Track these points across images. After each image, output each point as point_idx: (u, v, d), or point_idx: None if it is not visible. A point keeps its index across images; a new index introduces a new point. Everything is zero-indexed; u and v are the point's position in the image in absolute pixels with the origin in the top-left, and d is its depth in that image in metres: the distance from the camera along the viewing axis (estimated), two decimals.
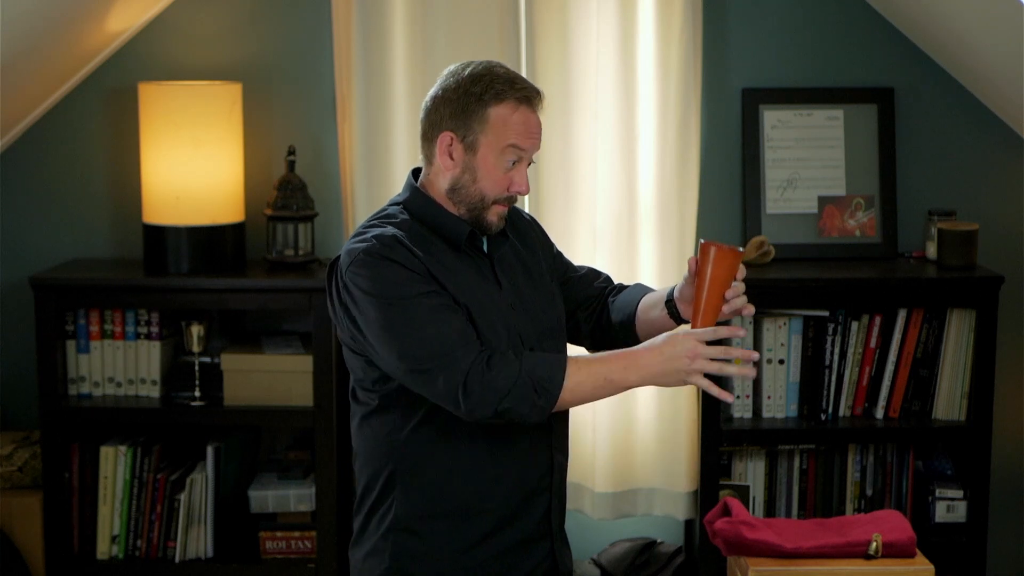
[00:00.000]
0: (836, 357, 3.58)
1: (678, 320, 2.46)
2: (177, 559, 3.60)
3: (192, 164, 3.55)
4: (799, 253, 3.72)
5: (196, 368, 3.61)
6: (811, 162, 3.75)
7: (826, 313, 3.56)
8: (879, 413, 3.59)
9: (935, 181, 3.79)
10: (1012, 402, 3.79)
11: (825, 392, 3.58)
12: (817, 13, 3.75)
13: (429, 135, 2.39)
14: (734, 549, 2.91)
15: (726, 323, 2.45)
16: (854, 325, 3.57)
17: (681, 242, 3.63)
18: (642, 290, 2.55)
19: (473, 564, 2.40)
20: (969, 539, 3.57)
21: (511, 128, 2.34)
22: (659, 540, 3.81)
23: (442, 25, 3.60)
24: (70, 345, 3.61)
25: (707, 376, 2.27)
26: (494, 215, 2.38)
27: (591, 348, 2.62)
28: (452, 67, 2.40)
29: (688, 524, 3.80)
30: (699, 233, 3.69)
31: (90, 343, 3.61)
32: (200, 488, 3.61)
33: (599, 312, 2.58)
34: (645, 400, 3.67)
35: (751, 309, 2.38)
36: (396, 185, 3.60)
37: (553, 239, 2.66)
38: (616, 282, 2.65)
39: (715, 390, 2.28)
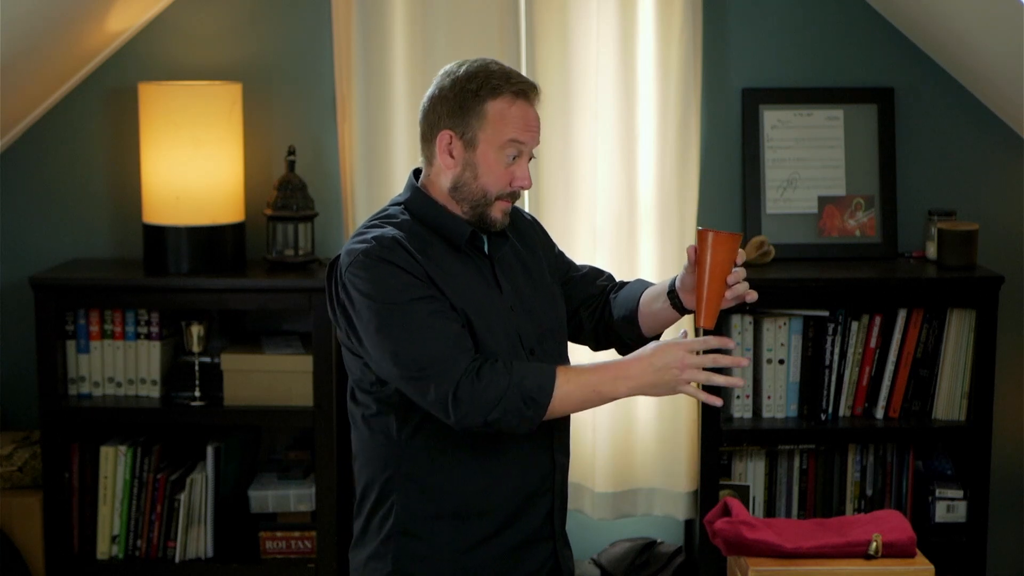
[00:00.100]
0: (836, 357, 3.58)
1: (681, 310, 2.44)
2: (177, 559, 3.60)
3: (192, 164, 3.55)
4: (799, 253, 3.72)
5: (196, 368, 3.61)
6: (811, 162, 3.75)
7: (826, 313, 3.56)
8: (879, 413, 3.59)
9: (935, 181, 3.79)
10: (1012, 402, 3.79)
11: (825, 392, 3.58)
12: (817, 13, 3.75)
13: (428, 135, 2.39)
14: (734, 549, 2.91)
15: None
16: (854, 325, 3.57)
17: (681, 242, 3.63)
18: (643, 285, 2.55)
19: (476, 565, 2.39)
20: (969, 539, 3.57)
21: (509, 122, 2.33)
22: (659, 540, 3.81)
23: (442, 25, 3.60)
24: (70, 345, 3.61)
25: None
26: (498, 211, 2.38)
27: (594, 347, 2.62)
28: (448, 67, 2.39)
29: (688, 524, 3.80)
30: None
31: (90, 343, 3.61)
32: (200, 488, 3.60)
33: (601, 310, 2.57)
34: (645, 400, 3.67)
35: (754, 295, 2.36)
36: (396, 185, 3.60)
37: (553, 239, 2.65)
38: (618, 280, 2.64)
39: (704, 396, 2.29)
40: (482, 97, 2.33)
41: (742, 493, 3.62)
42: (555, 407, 2.27)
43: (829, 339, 3.57)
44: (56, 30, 3.39)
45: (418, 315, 2.26)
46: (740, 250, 2.34)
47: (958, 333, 3.56)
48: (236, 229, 3.64)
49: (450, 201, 2.38)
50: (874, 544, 2.85)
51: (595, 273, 2.63)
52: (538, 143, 2.40)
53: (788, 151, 3.75)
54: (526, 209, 3.38)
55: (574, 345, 2.61)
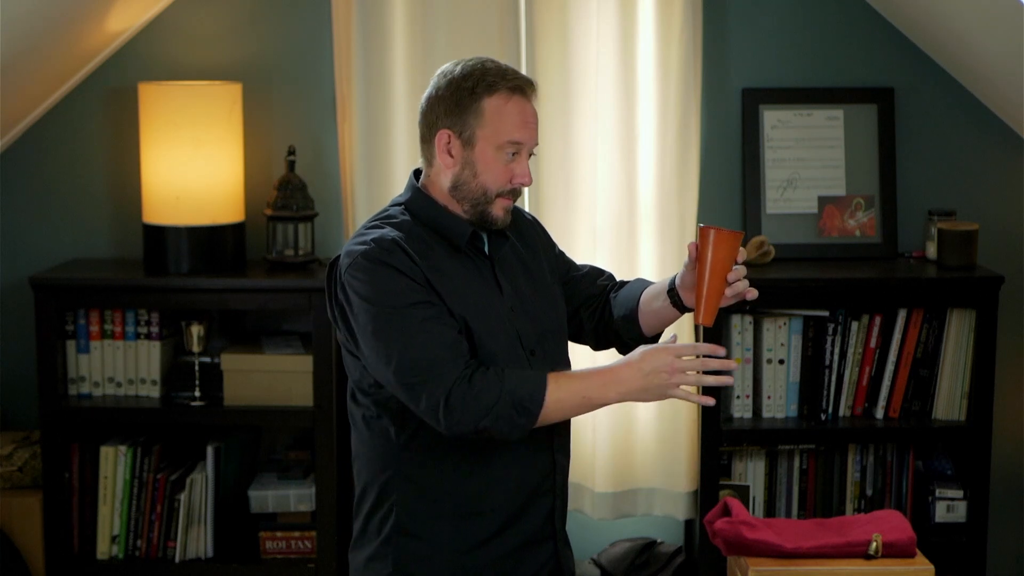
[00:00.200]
0: (836, 357, 3.58)
1: (681, 308, 2.44)
2: (177, 559, 3.60)
3: (192, 164, 3.55)
4: (799, 253, 3.72)
5: (196, 368, 3.61)
6: (811, 162, 3.75)
7: (826, 313, 3.56)
8: (879, 413, 3.59)
9: (935, 181, 3.79)
10: (1012, 402, 3.79)
11: (825, 392, 3.58)
12: (817, 13, 3.75)
13: (427, 136, 2.39)
14: (734, 549, 2.91)
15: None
16: (854, 325, 3.57)
17: (681, 242, 3.63)
18: (643, 284, 2.54)
19: (476, 566, 2.39)
20: (969, 539, 3.57)
21: (506, 119, 2.33)
22: (659, 540, 3.81)
23: (442, 25, 3.60)
24: (70, 345, 3.61)
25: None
26: (499, 209, 2.38)
27: (595, 346, 2.62)
28: (444, 67, 2.39)
29: (688, 524, 3.80)
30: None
31: (90, 343, 3.61)
32: (200, 488, 3.60)
33: (601, 309, 2.57)
34: None
35: (754, 292, 2.36)
36: (396, 185, 3.60)
37: (553, 239, 2.65)
38: (618, 280, 2.64)
39: (696, 398, 2.29)
40: (478, 95, 2.33)
41: (742, 493, 3.62)
42: (546, 414, 2.27)
43: (829, 339, 3.57)
44: (56, 30, 3.39)
45: (414, 320, 2.26)
46: (741, 248, 2.34)
47: (958, 333, 3.56)
48: (236, 229, 3.64)
49: (451, 201, 2.38)
50: (874, 544, 2.85)
51: (595, 273, 2.63)
52: (537, 139, 2.39)
53: (788, 151, 3.75)
54: (526, 209, 3.39)
55: (575, 345, 2.61)
